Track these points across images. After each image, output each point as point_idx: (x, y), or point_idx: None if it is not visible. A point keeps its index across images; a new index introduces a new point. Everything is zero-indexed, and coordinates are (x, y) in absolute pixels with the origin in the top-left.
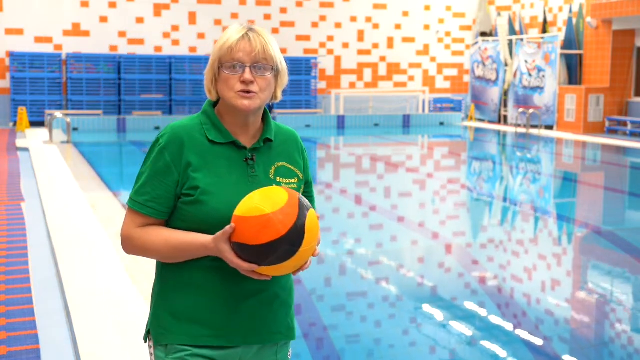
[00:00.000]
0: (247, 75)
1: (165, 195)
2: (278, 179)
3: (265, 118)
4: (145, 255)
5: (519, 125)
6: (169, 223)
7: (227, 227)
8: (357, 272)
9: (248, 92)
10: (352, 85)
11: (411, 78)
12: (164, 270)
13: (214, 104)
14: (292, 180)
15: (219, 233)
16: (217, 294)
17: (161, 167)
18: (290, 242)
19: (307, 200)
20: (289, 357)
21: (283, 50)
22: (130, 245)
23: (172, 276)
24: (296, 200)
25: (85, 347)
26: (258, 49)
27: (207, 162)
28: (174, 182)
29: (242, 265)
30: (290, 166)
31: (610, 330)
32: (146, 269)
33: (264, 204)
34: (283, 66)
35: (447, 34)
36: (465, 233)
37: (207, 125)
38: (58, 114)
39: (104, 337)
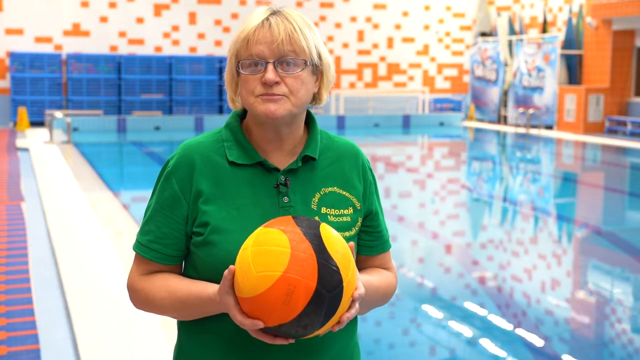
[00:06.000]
0: (269, 74)
1: (172, 234)
2: (324, 210)
3: (310, 128)
4: (153, 312)
5: (518, 126)
6: (183, 271)
7: (226, 273)
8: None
9: (273, 94)
10: (352, 85)
11: (411, 78)
12: (180, 332)
13: (242, 116)
14: (345, 212)
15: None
16: None
17: (167, 197)
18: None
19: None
20: None
21: None
22: (134, 298)
23: (187, 343)
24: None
25: (85, 347)
26: (281, 37)
27: (225, 190)
28: (183, 217)
29: (245, 323)
30: (343, 192)
31: (610, 330)
32: None
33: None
34: (324, 59)
35: (447, 34)
36: (465, 233)
37: (229, 142)
38: (58, 114)
39: (104, 337)
